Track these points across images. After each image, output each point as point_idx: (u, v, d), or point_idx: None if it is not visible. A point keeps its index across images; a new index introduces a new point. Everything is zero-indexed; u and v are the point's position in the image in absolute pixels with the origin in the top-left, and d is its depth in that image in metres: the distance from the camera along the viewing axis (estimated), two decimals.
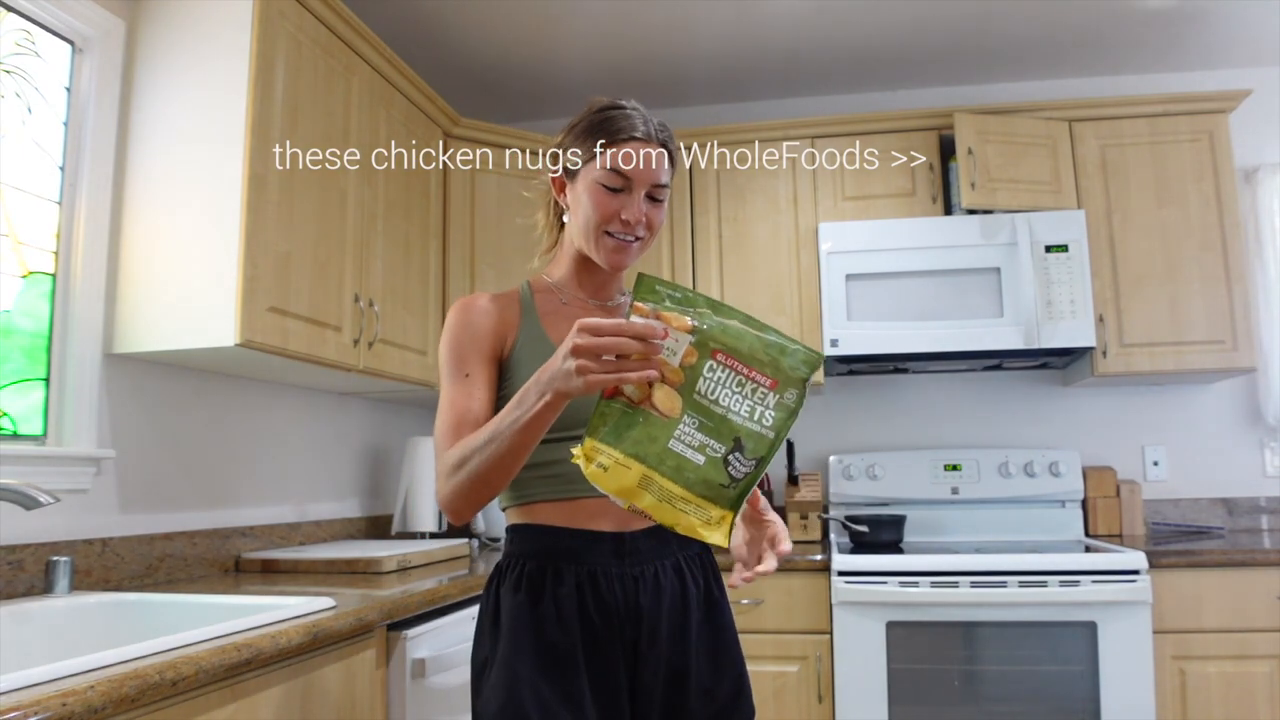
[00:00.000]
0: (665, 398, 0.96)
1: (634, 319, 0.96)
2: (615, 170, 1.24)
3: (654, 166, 1.26)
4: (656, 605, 1.24)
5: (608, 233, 1.26)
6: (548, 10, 2.78)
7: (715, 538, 0.99)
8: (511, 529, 1.30)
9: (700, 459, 0.97)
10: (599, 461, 0.98)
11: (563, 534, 1.24)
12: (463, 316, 1.30)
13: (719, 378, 0.96)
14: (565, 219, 1.34)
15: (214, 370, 2.26)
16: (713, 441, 0.97)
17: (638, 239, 1.28)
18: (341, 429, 2.88)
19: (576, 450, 0.99)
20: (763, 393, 0.97)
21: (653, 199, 1.28)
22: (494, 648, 1.22)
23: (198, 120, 2.00)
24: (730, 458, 0.98)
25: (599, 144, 1.26)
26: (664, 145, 1.28)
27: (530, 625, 1.20)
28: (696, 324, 0.95)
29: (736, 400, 0.97)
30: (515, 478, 1.23)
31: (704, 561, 1.35)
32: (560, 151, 1.33)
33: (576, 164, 1.29)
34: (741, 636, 2.74)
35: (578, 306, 1.35)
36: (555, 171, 1.35)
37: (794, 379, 0.98)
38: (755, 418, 0.98)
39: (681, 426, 0.97)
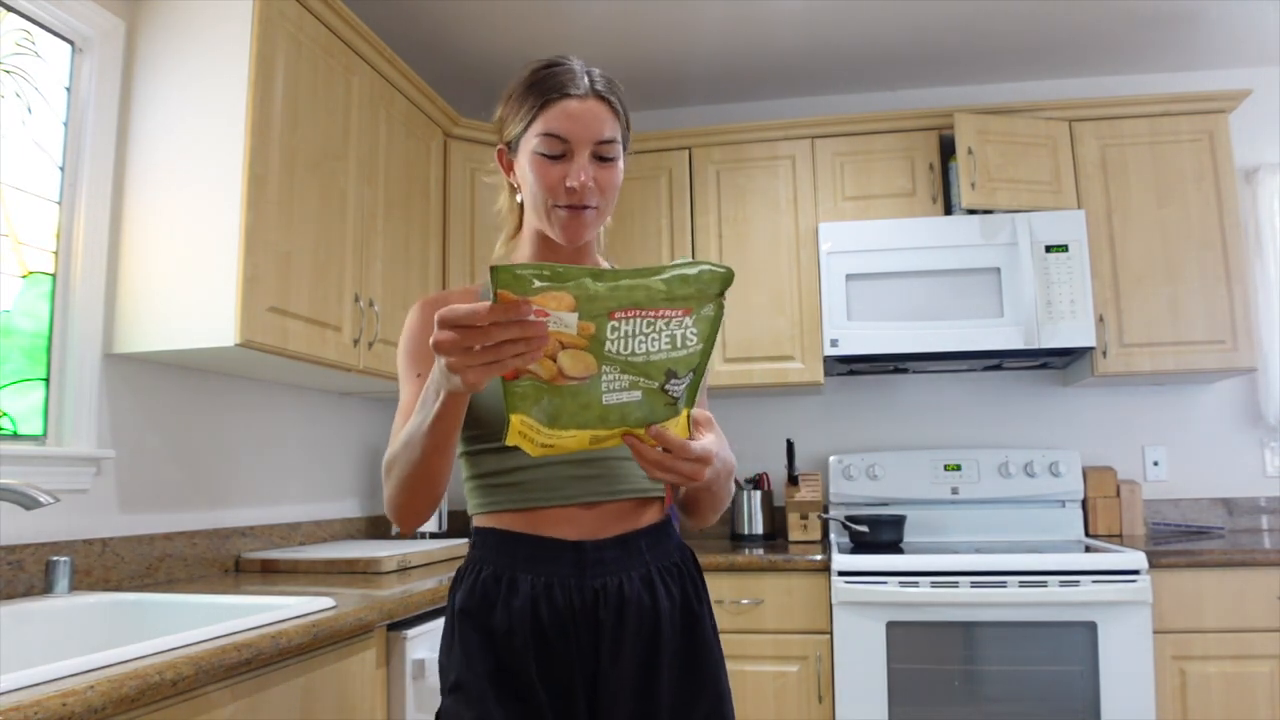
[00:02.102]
0: (574, 361, 0.88)
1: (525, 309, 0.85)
2: (551, 134, 1.12)
3: (594, 123, 1.13)
4: (619, 620, 1.13)
5: (556, 205, 1.14)
6: (548, 10, 2.78)
7: (676, 431, 0.96)
8: (475, 532, 1.23)
9: (638, 395, 0.92)
10: (541, 441, 0.92)
11: (522, 541, 1.16)
12: (420, 316, 1.23)
13: (627, 331, 0.88)
14: (518, 198, 1.23)
15: (214, 370, 2.26)
16: (642, 378, 0.92)
17: (590, 207, 1.14)
18: (341, 429, 2.88)
19: (510, 432, 0.91)
20: (678, 321, 0.90)
21: (601, 159, 1.14)
22: (449, 659, 1.16)
23: (198, 120, 2.00)
24: (667, 386, 0.93)
25: (532, 109, 1.13)
26: (603, 98, 1.15)
27: (482, 641, 1.13)
28: (579, 295, 0.85)
29: (654, 342, 0.90)
30: (480, 484, 1.21)
31: (683, 572, 1.24)
32: (499, 126, 1.22)
33: (516, 135, 1.17)
34: (741, 637, 2.73)
35: None
36: (498, 149, 1.23)
37: (707, 295, 0.91)
38: (679, 344, 0.92)
39: (605, 380, 0.90)
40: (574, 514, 1.16)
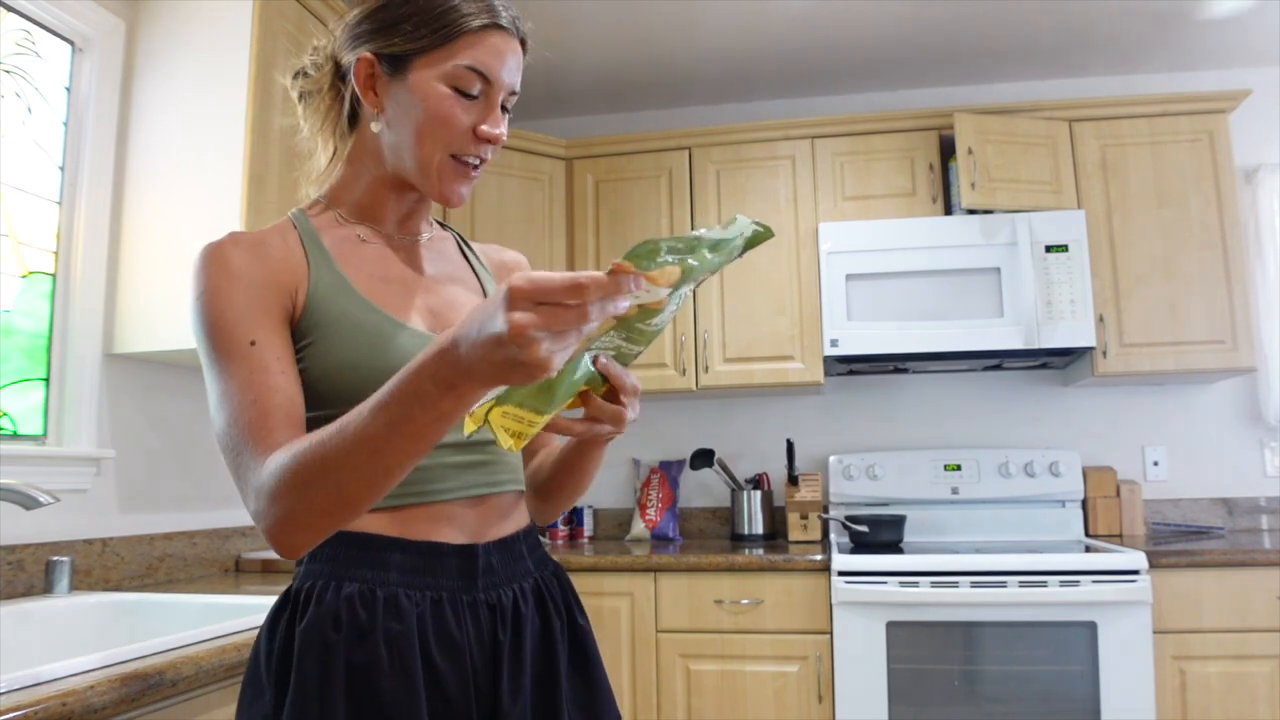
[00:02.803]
0: (600, 328, 0.73)
1: (631, 287, 0.66)
2: (474, 69, 0.91)
3: (515, 67, 0.96)
4: (518, 640, 0.92)
5: (453, 154, 0.94)
6: (548, 10, 2.78)
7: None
8: None
9: (610, 353, 0.81)
10: (525, 433, 0.75)
11: (395, 547, 0.89)
12: (220, 267, 0.88)
13: (676, 299, 0.76)
14: (374, 127, 0.97)
15: None
16: (624, 343, 0.79)
17: (483, 162, 0.96)
18: None
19: (477, 419, 0.73)
20: (698, 284, 0.79)
21: (503, 109, 0.97)
22: (293, 712, 0.84)
23: (198, 120, 2.00)
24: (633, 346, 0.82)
25: (450, 29, 0.91)
26: (524, 42, 0.98)
27: (352, 680, 0.84)
28: (686, 270, 0.72)
29: (674, 305, 0.78)
30: None
31: (562, 584, 1.04)
32: (372, 27, 0.94)
33: (406, 51, 0.92)
34: (741, 636, 2.74)
35: (385, 244, 1.01)
36: (358, 53, 0.95)
37: (733, 257, 0.79)
38: (678, 307, 0.80)
39: (599, 341, 0.76)
40: (455, 512, 0.93)
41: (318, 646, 0.85)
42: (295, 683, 0.84)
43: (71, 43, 2.01)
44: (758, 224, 0.80)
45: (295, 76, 1.05)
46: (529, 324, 0.62)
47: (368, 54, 0.94)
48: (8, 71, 1.86)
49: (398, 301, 0.96)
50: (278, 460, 0.78)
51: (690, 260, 0.72)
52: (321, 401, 0.89)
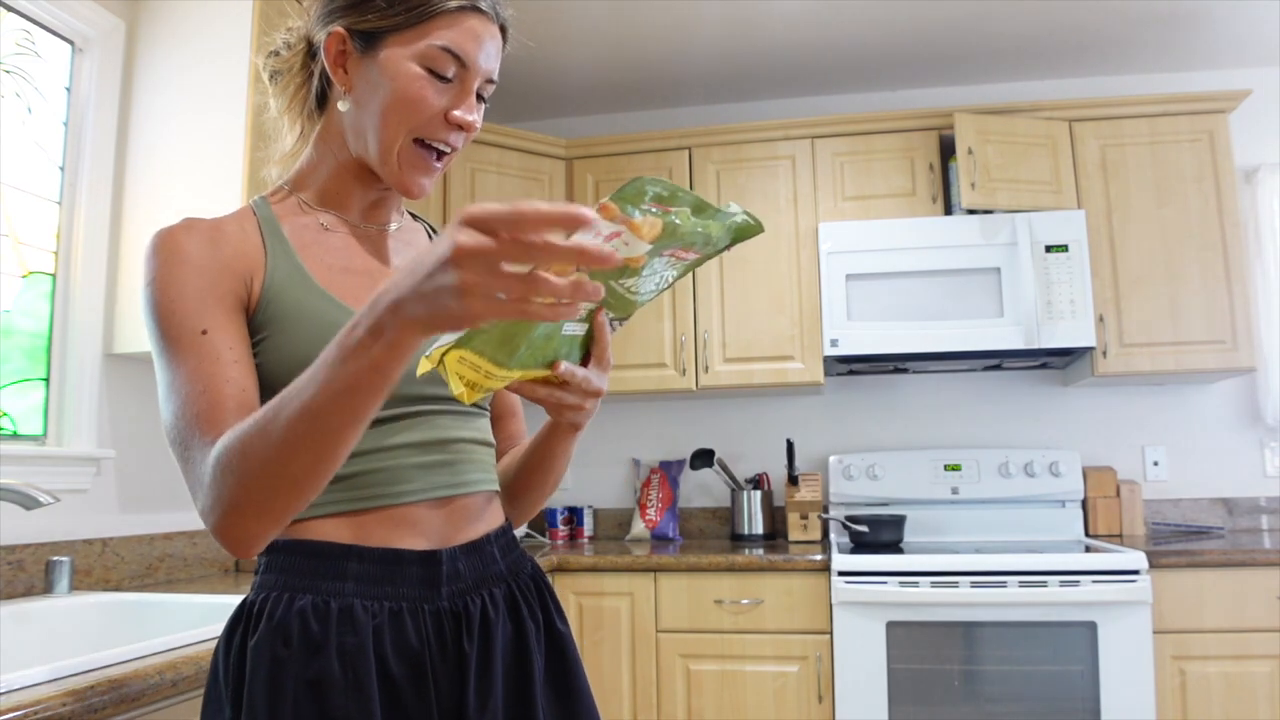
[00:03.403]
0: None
1: (594, 218, 0.60)
2: (449, 50, 0.87)
3: (493, 53, 0.91)
4: (486, 651, 0.88)
5: (420, 139, 0.89)
6: (547, 10, 2.78)
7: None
8: (271, 550, 0.87)
9: (585, 327, 0.79)
10: (480, 384, 0.72)
11: (352, 555, 0.85)
12: (171, 252, 0.84)
13: (656, 268, 0.75)
14: (341, 106, 0.92)
15: None
16: (613, 314, 0.79)
17: (453, 150, 0.92)
18: None
19: (433, 359, 0.70)
20: (684, 262, 0.78)
21: (479, 97, 0.92)
22: None
23: (198, 120, 2.00)
24: (614, 322, 0.82)
25: (425, 7, 0.87)
26: (504, 28, 0.94)
27: (302, 697, 0.80)
28: (668, 225, 0.70)
29: (655, 280, 0.78)
30: None
31: (540, 587, 0.99)
32: (346, 3, 0.90)
33: (380, 28, 0.88)
34: (741, 636, 2.73)
35: (349, 233, 0.96)
36: (330, 28, 0.91)
37: (721, 244, 0.79)
38: (661, 284, 0.79)
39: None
40: (418, 515, 0.88)
41: (268, 663, 0.81)
42: (246, 702, 0.80)
43: (71, 43, 2.01)
44: (748, 215, 0.80)
45: (268, 56, 0.99)
46: (474, 247, 0.58)
47: (339, 29, 0.90)
48: (8, 71, 1.86)
49: (359, 294, 0.92)
50: (219, 445, 0.74)
51: (673, 217, 0.70)
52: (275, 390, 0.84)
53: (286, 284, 0.87)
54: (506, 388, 0.78)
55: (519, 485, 1.04)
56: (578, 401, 0.84)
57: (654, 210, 0.69)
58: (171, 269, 0.83)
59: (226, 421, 0.78)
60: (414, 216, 1.09)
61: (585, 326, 0.79)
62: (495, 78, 0.92)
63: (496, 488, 0.99)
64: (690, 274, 0.77)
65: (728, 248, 0.80)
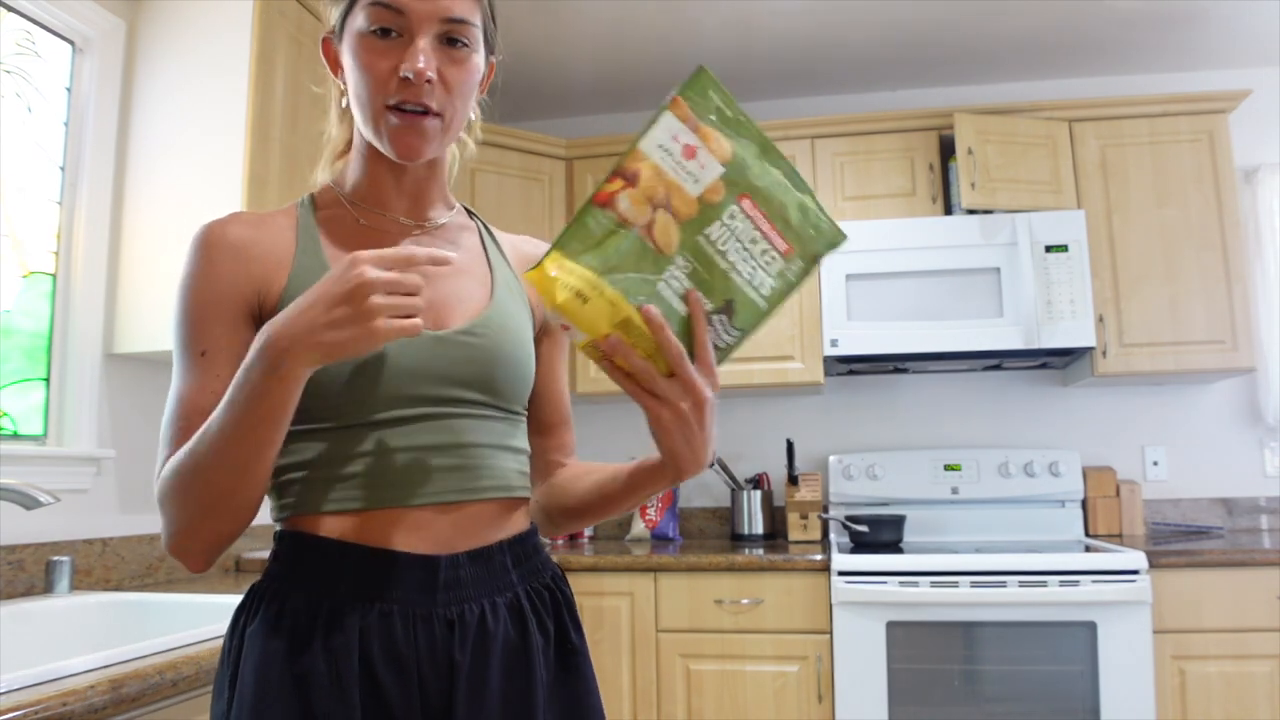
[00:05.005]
0: (663, 229, 0.75)
1: (667, 117, 0.75)
2: (379, 4, 0.85)
3: None
4: (481, 660, 0.86)
5: (387, 105, 0.87)
6: (547, 10, 2.78)
7: None
8: (279, 540, 0.89)
9: (683, 311, 0.78)
10: (577, 289, 0.75)
11: (350, 554, 0.85)
12: (204, 258, 0.88)
13: (737, 228, 0.77)
14: (344, 102, 0.96)
15: None
16: (700, 296, 0.78)
17: (432, 112, 0.87)
18: None
19: (545, 264, 0.76)
20: (772, 256, 0.78)
21: (450, 41, 0.88)
22: (233, 715, 0.83)
23: (198, 120, 2.00)
24: (715, 319, 0.79)
25: None
26: None
27: (287, 690, 0.81)
28: (737, 155, 0.75)
29: (744, 259, 0.78)
30: (294, 478, 0.88)
31: (556, 597, 0.96)
32: (333, 4, 0.93)
33: (340, 13, 0.90)
34: (741, 636, 2.73)
35: (385, 231, 0.96)
36: (324, 36, 0.96)
37: (809, 252, 0.80)
38: (755, 283, 0.79)
39: (671, 268, 0.77)
40: (425, 518, 0.87)
41: (258, 653, 0.83)
42: (238, 689, 0.83)
43: (72, 43, 2.01)
44: (836, 222, 0.81)
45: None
46: (377, 281, 0.71)
47: (327, 32, 0.94)
48: (8, 71, 1.86)
49: None
50: (164, 471, 0.82)
51: (740, 140, 0.75)
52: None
53: (309, 282, 0.88)
54: (607, 342, 0.76)
55: (582, 506, 1.00)
56: (676, 399, 0.79)
57: (713, 119, 0.72)
58: (196, 277, 0.88)
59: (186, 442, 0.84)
60: (470, 213, 1.08)
61: (682, 304, 0.77)
62: (458, 16, 0.87)
63: (519, 495, 0.95)
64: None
65: (817, 259, 0.80)
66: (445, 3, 0.86)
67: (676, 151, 0.76)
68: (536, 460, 1.06)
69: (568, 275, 0.75)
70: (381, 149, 0.90)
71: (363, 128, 0.90)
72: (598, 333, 0.76)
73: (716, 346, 0.80)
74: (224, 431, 0.76)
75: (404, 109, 0.87)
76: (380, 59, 0.86)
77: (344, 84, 0.93)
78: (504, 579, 0.91)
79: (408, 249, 0.74)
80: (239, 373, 0.76)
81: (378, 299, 0.71)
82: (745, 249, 0.78)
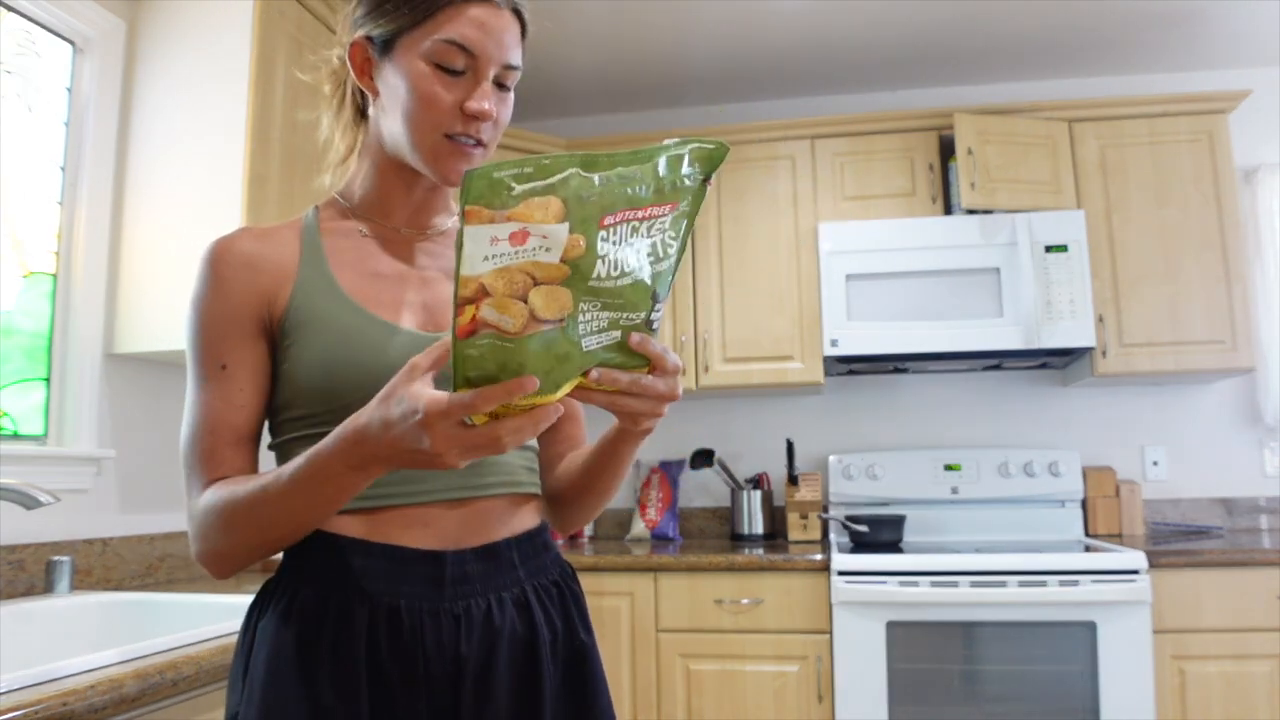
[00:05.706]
0: (547, 300, 0.68)
1: (470, 231, 0.65)
2: (454, 44, 0.88)
3: (506, 40, 0.91)
4: (488, 655, 0.87)
5: (446, 134, 0.90)
6: (545, 10, 2.78)
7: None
8: None
9: (616, 334, 0.73)
10: (534, 403, 0.71)
11: (358, 550, 0.87)
12: (215, 274, 0.91)
13: (615, 242, 0.70)
14: (370, 112, 0.97)
15: None
16: (625, 313, 0.73)
17: (483, 144, 0.92)
18: None
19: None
20: (662, 222, 0.73)
21: (501, 85, 0.93)
22: (244, 708, 0.85)
23: (198, 120, 2.00)
24: (651, 316, 0.75)
25: (430, 1, 0.89)
26: (517, 11, 0.93)
27: (295, 682, 0.83)
28: (566, 198, 0.67)
29: (638, 254, 0.72)
30: None
31: (564, 594, 0.97)
32: (365, 10, 0.94)
33: (391, 31, 0.91)
34: (741, 636, 2.73)
35: (386, 239, 0.98)
36: (354, 40, 0.95)
37: (694, 183, 0.74)
38: (661, 253, 0.74)
39: (582, 319, 0.70)
40: (432, 515, 0.89)
41: (268, 647, 0.85)
42: (248, 682, 0.86)
43: (72, 43, 2.01)
44: (695, 140, 0.75)
45: (317, 71, 1.05)
46: (451, 445, 0.70)
47: (360, 38, 0.94)
48: (8, 72, 1.86)
49: (387, 299, 0.93)
50: (210, 499, 0.85)
51: (557, 181, 0.66)
52: (300, 400, 0.90)
53: (313, 292, 0.91)
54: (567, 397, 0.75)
55: (577, 489, 1.01)
56: (648, 409, 0.79)
57: (517, 188, 0.65)
58: (209, 293, 0.91)
59: (222, 467, 0.88)
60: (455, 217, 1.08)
61: (616, 334, 0.73)
62: (515, 64, 0.92)
63: (527, 491, 0.97)
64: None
65: (705, 181, 0.75)
66: (507, 50, 0.91)
67: (506, 249, 0.66)
68: (544, 456, 1.07)
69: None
70: (420, 168, 0.93)
71: (405, 147, 0.92)
72: (555, 397, 0.72)
73: (655, 325, 0.76)
74: (292, 502, 0.80)
75: (461, 139, 0.91)
76: (446, 92, 0.89)
77: (371, 92, 0.95)
78: (511, 575, 0.92)
79: (469, 398, 0.68)
80: (312, 453, 0.78)
81: (451, 451, 0.71)
82: (633, 245, 0.72)
